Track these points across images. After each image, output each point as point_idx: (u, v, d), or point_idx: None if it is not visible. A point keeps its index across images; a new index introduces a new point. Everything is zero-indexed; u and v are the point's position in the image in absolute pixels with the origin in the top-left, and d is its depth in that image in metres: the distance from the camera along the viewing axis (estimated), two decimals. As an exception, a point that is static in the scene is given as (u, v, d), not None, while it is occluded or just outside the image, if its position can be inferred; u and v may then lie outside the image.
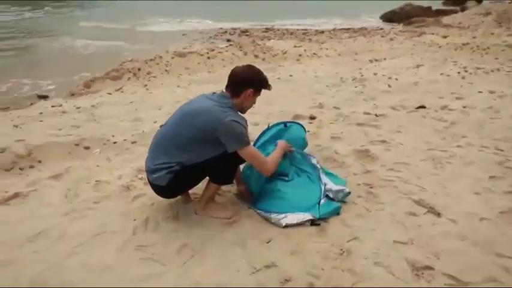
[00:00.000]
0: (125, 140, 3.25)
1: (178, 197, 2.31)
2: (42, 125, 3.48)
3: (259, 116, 3.82)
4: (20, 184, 2.65)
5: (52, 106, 3.99)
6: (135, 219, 2.17)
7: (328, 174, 2.46)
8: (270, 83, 2.18)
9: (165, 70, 5.48)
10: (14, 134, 3.30)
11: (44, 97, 5.66)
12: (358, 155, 2.91)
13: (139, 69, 5.42)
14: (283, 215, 2.09)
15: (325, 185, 2.33)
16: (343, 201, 2.28)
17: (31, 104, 4.99)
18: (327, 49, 7.08)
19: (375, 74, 5.06)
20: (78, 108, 3.84)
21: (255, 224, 2.10)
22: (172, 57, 5.71)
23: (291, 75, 5.23)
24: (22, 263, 1.87)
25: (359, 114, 3.75)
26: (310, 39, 8.58)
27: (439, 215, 2.13)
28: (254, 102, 2.18)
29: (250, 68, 2.13)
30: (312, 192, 2.30)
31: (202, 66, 5.66)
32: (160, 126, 2.21)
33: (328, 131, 3.38)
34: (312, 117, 3.76)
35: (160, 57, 5.67)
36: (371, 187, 2.45)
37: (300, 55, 6.53)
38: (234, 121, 1.93)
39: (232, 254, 1.88)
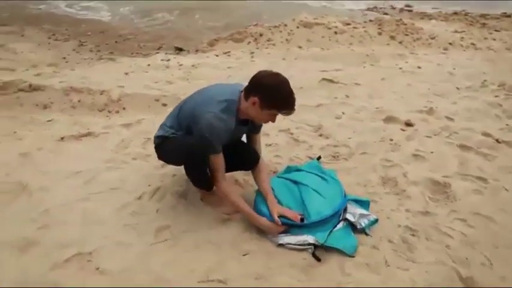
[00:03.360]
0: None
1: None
2: (145, 76, 3.89)
3: (349, 108, 3.35)
4: (100, 125, 3.06)
5: (161, 60, 4.40)
6: (149, 185, 2.25)
7: (354, 201, 2.00)
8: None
9: (286, 39, 5.29)
10: (121, 79, 3.80)
11: (180, 49, 6.29)
12: (431, 188, 2.25)
13: (261, 35, 5.40)
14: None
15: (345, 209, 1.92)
16: (365, 232, 1.84)
17: (166, 53, 5.65)
18: (494, 40, 5.52)
19: (539, 83, 3.71)
20: (180, 65, 4.13)
21: (246, 230, 1.89)
22: (297, 27, 5.42)
23: (419, 67, 4.33)
24: (49, 193, 2.19)
25: (474, 134, 2.86)
26: (483, 24, 6.82)
27: (482, 308, 1.49)
28: (271, 119, 1.80)
29: (273, 77, 1.74)
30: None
31: (325, 41, 5.21)
32: None
33: (415, 146, 2.71)
34: (408, 124, 3.06)
35: (285, 25, 5.46)
36: (414, 234, 1.87)
37: (451, 43, 5.28)
38: (210, 125, 1.71)
39: (201, 254, 1.75)
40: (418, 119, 3.13)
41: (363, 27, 5.71)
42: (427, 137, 2.87)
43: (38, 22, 7.58)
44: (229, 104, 1.78)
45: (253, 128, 2.05)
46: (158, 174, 2.36)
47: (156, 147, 2.02)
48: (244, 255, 1.75)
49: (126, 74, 3.95)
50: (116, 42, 6.96)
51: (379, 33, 5.41)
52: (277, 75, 1.76)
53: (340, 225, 1.86)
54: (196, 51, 5.68)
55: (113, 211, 2.03)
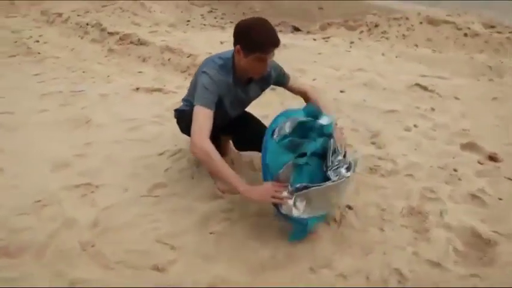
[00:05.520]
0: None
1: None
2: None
3: (425, 122, 2.83)
4: (174, 84, 3.39)
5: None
6: (176, 145, 2.42)
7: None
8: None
9: (403, 35, 4.67)
10: (214, 47, 4.02)
11: (297, 29, 6.26)
12: (466, 239, 1.79)
13: (376, 26, 4.88)
14: None
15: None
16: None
17: (280, 31, 5.72)
18: None
19: None
20: (273, 43, 4.11)
21: (228, 211, 1.88)
22: (421, 22, 4.71)
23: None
24: (100, 130, 2.61)
25: None
26: None
27: None
28: (260, 66, 1.69)
29: (249, 19, 1.70)
30: None
31: (449, 43, 4.40)
32: None
33: (481, 185, 2.16)
34: (493, 158, 2.44)
35: (407, 18, 4.81)
36: (400, 281, 1.56)
37: None
38: (207, 74, 1.71)
39: (173, 218, 1.83)
40: (510, 156, 2.48)
41: (510, 32, 4.64)
42: (508, 179, 2.26)
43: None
44: (225, 61, 1.76)
45: (277, 82, 2.00)
46: (188, 139, 2.49)
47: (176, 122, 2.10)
48: (210, 233, 1.77)
49: (222, 43, 4.17)
50: (244, 13, 7.34)
51: (530, 44, 4.32)
52: (255, 17, 1.72)
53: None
54: (308, 32, 5.58)
55: (132, 158, 2.28)
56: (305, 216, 1.59)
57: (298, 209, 1.56)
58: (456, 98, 3.24)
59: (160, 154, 2.33)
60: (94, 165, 2.20)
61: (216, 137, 1.84)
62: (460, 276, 1.60)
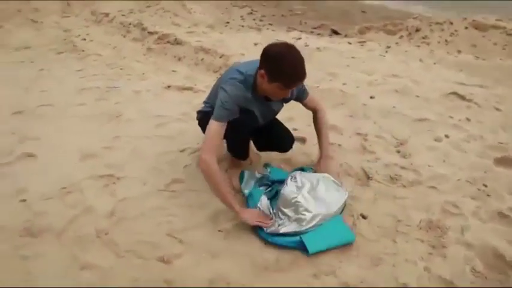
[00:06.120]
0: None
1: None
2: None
3: (458, 133, 2.68)
4: (204, 83, 3.46)
5: (292, 38, 4.43)
6: (198, 143, 2.48)
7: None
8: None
9: (445, 40, 4.43)
10: (247, 49, 4.07)
11: (336, 32, 6.16)
12: (488, 261, 1.69)
13: (417, 30, 4.66)
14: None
15: None
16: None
17: (318, 34, 5.67)
18: None
19: None
20: (306, 45, 4.06)
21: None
22: (466, 28, 4.42)
23: None
24: (129, 125, 2.72)
25: None
26: None
27: None
28: (283, 94, 1.71)
29: (279, 46, 1.62)
30: None
31: (496, 50, 4.10)
32: None
33: (512, 204, 2.03)
34: (530, 175, 2.27)
35: (451, 23, 4.53)
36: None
37: None
38: (224, 89, 1.71)
39: (187, 213, 1.89)
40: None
41: None
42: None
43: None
44: (246, 77, 1.74)
45: (296, 98, 1.98)
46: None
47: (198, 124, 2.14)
48: (219, 230, 1.80)
49: (255, 44, 4.21)
50: (283, 15, 7.34)
51: None
52: (286, 45, 1.64)
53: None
54: (345, 36, 5.47)
55: (155, 153, 2.37)
56: (293, 229, 1.72)
57: (282, 226, 1.74)
58: (497, 109, 3.03)
59: (182, 151, 2.40)
60: (120, 158, 2.32)
61: (246, 137, 1.96)
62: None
